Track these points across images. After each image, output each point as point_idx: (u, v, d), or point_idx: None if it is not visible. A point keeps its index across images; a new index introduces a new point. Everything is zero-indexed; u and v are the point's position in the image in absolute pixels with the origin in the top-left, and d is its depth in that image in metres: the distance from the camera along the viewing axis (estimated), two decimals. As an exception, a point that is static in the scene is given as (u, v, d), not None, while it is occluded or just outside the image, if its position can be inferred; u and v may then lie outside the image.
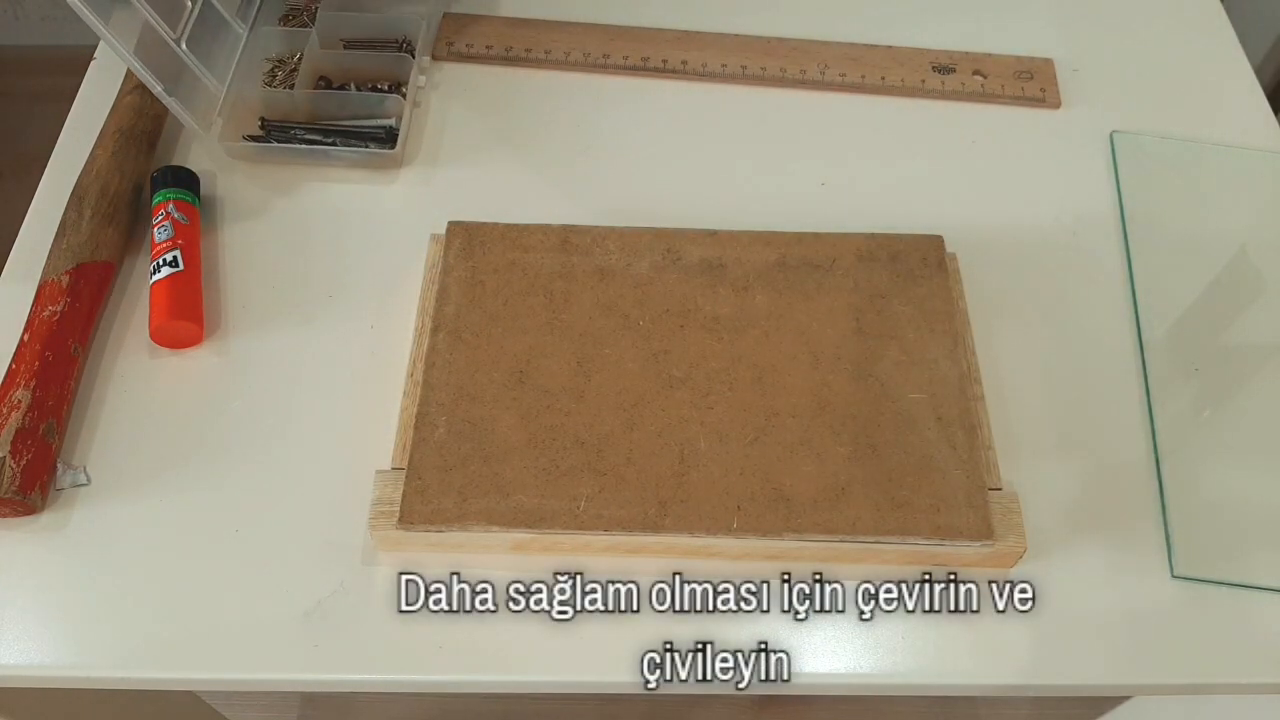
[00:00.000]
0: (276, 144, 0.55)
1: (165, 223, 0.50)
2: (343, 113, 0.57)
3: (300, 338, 0.49)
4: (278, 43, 0.59)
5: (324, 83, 0.58)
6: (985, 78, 0.61)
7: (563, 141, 0.58)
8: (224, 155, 0.56)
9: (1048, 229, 0.55)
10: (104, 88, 0.58)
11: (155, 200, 0.51)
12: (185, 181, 0.52)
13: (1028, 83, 0.61)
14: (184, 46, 0.53)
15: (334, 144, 0.55)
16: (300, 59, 0.58)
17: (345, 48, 0.60)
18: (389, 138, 0.56)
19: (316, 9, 0.60)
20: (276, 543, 0.43)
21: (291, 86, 0.57)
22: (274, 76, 0.58)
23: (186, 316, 0.48)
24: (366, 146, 0.55)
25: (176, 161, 0.56)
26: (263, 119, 0.56)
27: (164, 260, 0.49)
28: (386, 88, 0.58)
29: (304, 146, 0.55)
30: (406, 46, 0.60)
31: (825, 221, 0.52)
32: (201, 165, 0.55)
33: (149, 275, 0.49)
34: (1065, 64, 0.62)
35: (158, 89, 0.51)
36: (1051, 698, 0.92)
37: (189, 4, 0.55)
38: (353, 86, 0.58)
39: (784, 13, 0.64)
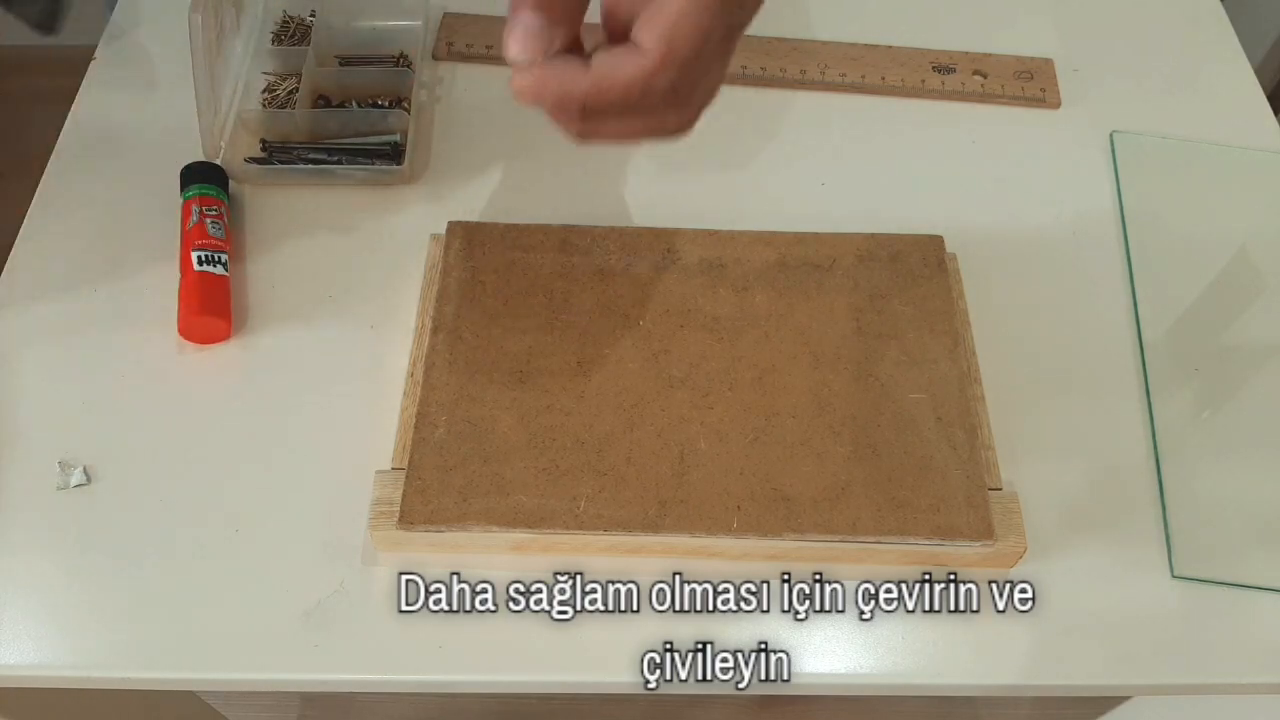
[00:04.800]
0: (280, 165, 0.54)
1: (219, 220, 0.50)
2: (345, 130, 0.56)
3: (300, 339, 0.49)
4: (272, 63, 0.58)
5: (323, 101, 0.57)
6: (985, 78, 0.61)
7: (562, 141, 0.57)
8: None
9: (1048, 229, 0.55)
10: (104, 88, 0.58)
11: (191, 194, 0.51)
12: (218, 179, 0.52)
13: (1028, 83, 0.61)
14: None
15: (339, 163, 0.54)
16: (297, 78, 0.57)
17: (341, 65, 0.59)
18: (395, 153, 0.54)
19: (310, 27, 0.59)
20: (276, 543, 0.43)
21: (291, 106, 0.56)
22: (273, 97, 0.57)
23: (217, 313, 0.48)
24: (373, 164, 0.54)
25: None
26: (264, 140, 0.55)
27: (211, 256, 0.49)
28: (387, 103, 0.57)
29: (309, 167, 0.54)
30: (403, 61, 0.59)
31: (825, 221, 0.52)
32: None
33: (192, 266, 0.49)
34: (1065, 64, 0.62)
35: None
36: (1051, 698, 0.92)
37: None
38: (354, 104, 0.57)
39: (784, 13, 0.64)
